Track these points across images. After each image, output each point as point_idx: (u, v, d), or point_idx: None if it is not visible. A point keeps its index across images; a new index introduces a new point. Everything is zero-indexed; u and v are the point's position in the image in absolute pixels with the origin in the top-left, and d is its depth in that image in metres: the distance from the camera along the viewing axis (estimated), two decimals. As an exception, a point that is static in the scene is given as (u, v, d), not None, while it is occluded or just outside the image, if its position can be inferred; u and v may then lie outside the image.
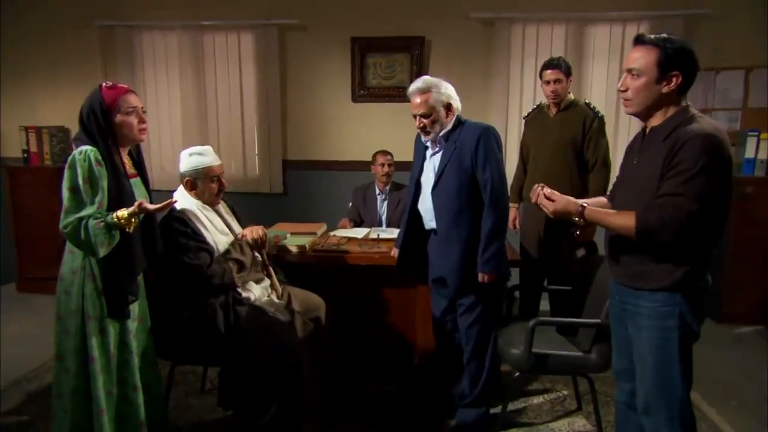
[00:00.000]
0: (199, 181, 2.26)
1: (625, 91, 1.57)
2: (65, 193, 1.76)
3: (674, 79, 1.51)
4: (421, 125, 2.19)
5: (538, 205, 1.72)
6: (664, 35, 1.53)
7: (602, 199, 1.85)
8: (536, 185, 1.75)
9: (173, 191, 2.28)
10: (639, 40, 1.55)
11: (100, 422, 1.85)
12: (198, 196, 2.28)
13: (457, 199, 2.18)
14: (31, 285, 4.09)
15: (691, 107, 1.56)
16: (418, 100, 2.17)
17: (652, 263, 1.56)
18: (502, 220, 2.20)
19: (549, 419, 2.49)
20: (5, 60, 4.24)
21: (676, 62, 1.50)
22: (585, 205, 1.65)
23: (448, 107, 2.19)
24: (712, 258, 1.57)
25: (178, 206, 2.22)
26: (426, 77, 2.22)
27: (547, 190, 1.71)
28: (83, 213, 1.74)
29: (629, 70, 1.56)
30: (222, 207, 2.41)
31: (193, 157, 2.27)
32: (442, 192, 2.21)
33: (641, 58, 1.53)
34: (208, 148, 2.31)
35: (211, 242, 2.23)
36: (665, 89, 1.52)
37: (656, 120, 1.58)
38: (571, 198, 1.69)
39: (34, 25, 4.19)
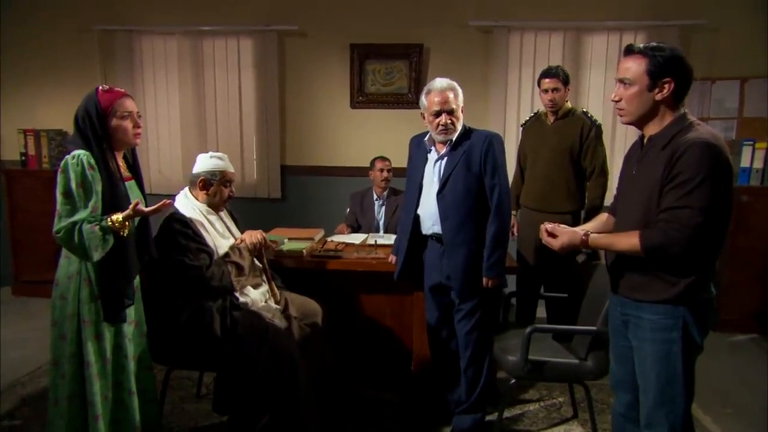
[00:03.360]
0: (214, 183, 2.29)
1: (619, 101, 1.59)
2: (59, 198, 1.76)
3: (666, 86, 1.52)
4: (449, 121, 2.18)
5: (546, 244, 1.73)
6: (654, 44, 1.54)
7: (603, 216, 1.85)
8: (542, 225, 1.75)
9: (172, 195, 2.28)
10: (628, 51, 1.57)
11: (96, 427, 1.84)
12: (207, 198, 2.30)
13: (464, 203, 2.20)
14: (28, 288, 4.08)
15: (689, 115, 1.56)
16: (445, 96, 2.17)
17: (654, 275, 1.55)
18: (507, 226, 2.24)
19: (545, 426, 2.49)
20: (5, 63, 4.24)
21: (667, 69, 1.51)
22: (588, 232, 1.66)
23: (462, 111, 2.23)
24: (715, 268, 1.56)
25: (180, 209, 2.23)
26: (445, 78, 2.23)
27: (549, 226, 1.72)
28: (77, 217, 1.74)
29: (621, 80, 1.57)
30: (223, 212, 2.42)
31: (213, 159, 2.32)
32: (449, 196, 2.22)
33: (631, 68, 1.54)
34: (226, 156, 2.38)
35: (212, 245, 2.23)
36: (658, 96, 1.53)
37: (653, 129, 1.58)
38: (573, 229, 1.69)
39: (34, 29, 4.20)
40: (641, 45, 1.56)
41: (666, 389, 1.56)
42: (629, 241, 1.54)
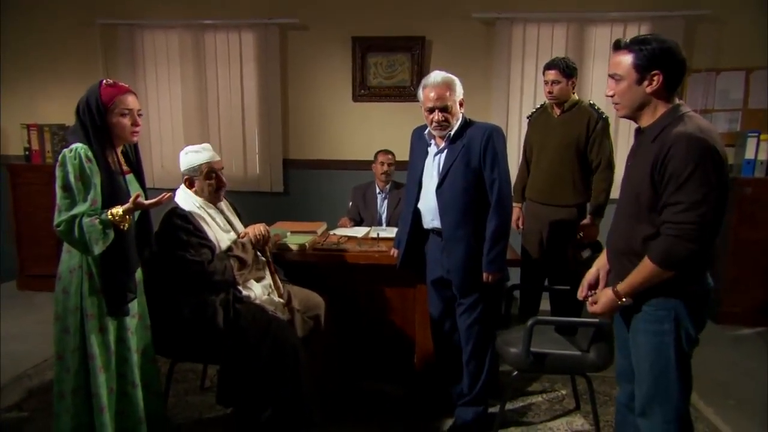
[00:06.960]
0: (196, 179, 2.26)
1: (613, 95, 1.61)
2: (58, 192, 1.77)
3: (656, 78, 1.52)
4: (442, 118, 2.15)
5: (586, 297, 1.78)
6: (642, 37, 1.56)
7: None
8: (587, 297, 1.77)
9: (174, 189, 2.28)
10: (616, 47, 1.59)
11: (102, 419, 1.86)
12: (198, 194, 2.29)
13: (463, 198, 2.19)
14: (32, 282, 4.10)
15: (683, 106, 1.56)
16: (439, 92, 2.13)
17: None
18: (508, 220, 2.22)
19: (547, 418, 2.49)
20: (7, 57, 4.24)
21: (654, 62, 1.51)
22: (616, 290, 1.61)
23: (460, 105, 2.20)
24: (711, 260, 1.56)
25: (180, 203, 2.23)
26: (442, 72, 2.19)
27: (592, 298, 1.74)
28: (76, 211, 1.74)
29: (612, 76, 1.60)
30: (224, 205, 2.42)
31: (188, 156, 2.27)
32: (448, 191, 2.21)
33: (620, 63, 1.56)
34: (205, 145, 2.32)
35: (213, 239, 2.23)
36: (648, 89, 1.54)
37: (646, 120, 1.59)
38: (605, 291, 1.66)
39: (36, 23, 4.20)
40: (628, 39, 1.57)
41: (659, 380, 1.58)
42: (646, 270, 1.53)
